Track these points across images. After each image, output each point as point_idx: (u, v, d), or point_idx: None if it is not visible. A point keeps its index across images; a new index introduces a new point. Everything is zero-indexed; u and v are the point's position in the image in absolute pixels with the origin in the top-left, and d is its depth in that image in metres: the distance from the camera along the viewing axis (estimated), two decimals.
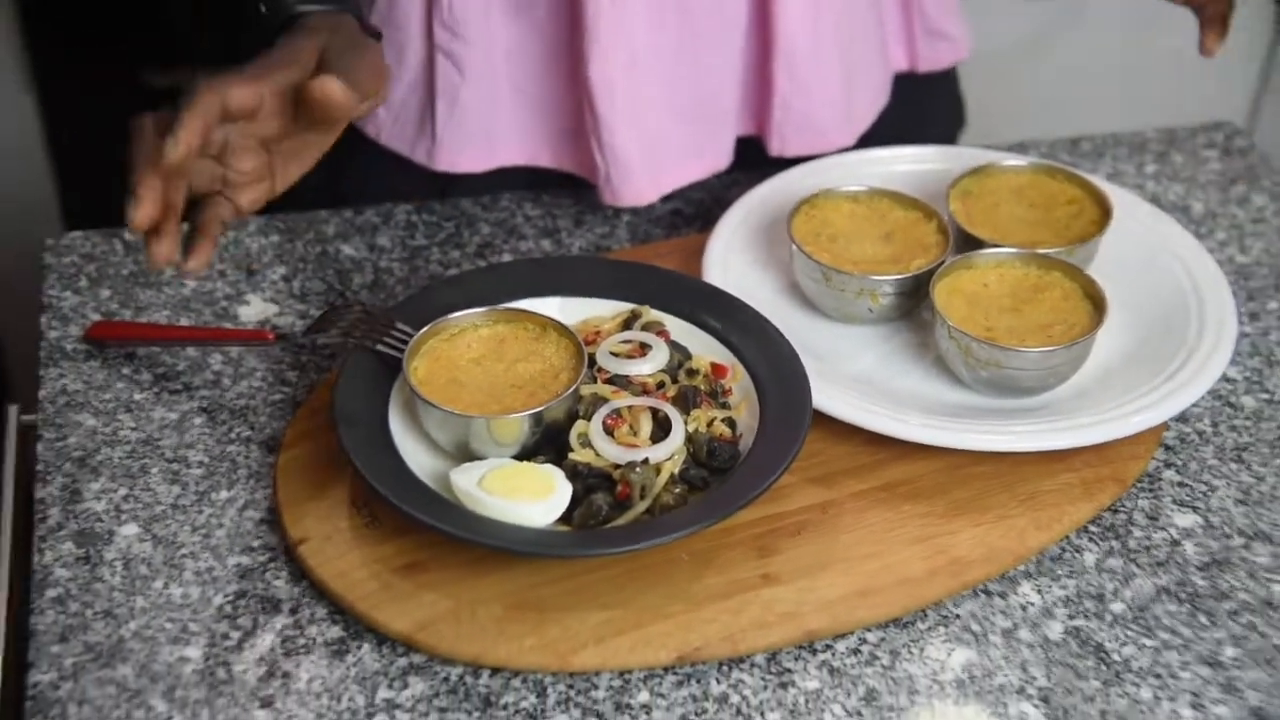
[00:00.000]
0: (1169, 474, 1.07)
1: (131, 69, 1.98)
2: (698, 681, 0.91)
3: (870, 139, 1.31)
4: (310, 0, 1.04)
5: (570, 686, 0.91)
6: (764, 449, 0.98)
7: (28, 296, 1.24)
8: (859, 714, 0.90)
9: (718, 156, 1.28)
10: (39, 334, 1.15)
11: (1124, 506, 1.04)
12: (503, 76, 1.22)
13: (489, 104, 1.23)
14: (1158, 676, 0.93)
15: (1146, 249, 1.19)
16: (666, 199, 1.30)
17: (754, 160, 1.29)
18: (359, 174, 1.31)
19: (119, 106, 2.04)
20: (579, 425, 0.99)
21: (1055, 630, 0.95)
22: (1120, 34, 1.59)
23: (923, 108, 1.39)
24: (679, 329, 1.08)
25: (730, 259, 1.17)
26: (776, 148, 1.28)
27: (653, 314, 1.08)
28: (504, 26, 1.21)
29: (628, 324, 1.08)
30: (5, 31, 1.93)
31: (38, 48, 1.94)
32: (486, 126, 1.24)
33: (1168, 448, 1.08)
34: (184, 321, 1.16)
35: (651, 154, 1.23)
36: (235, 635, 0.93)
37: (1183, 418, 1.11)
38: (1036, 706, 0.91)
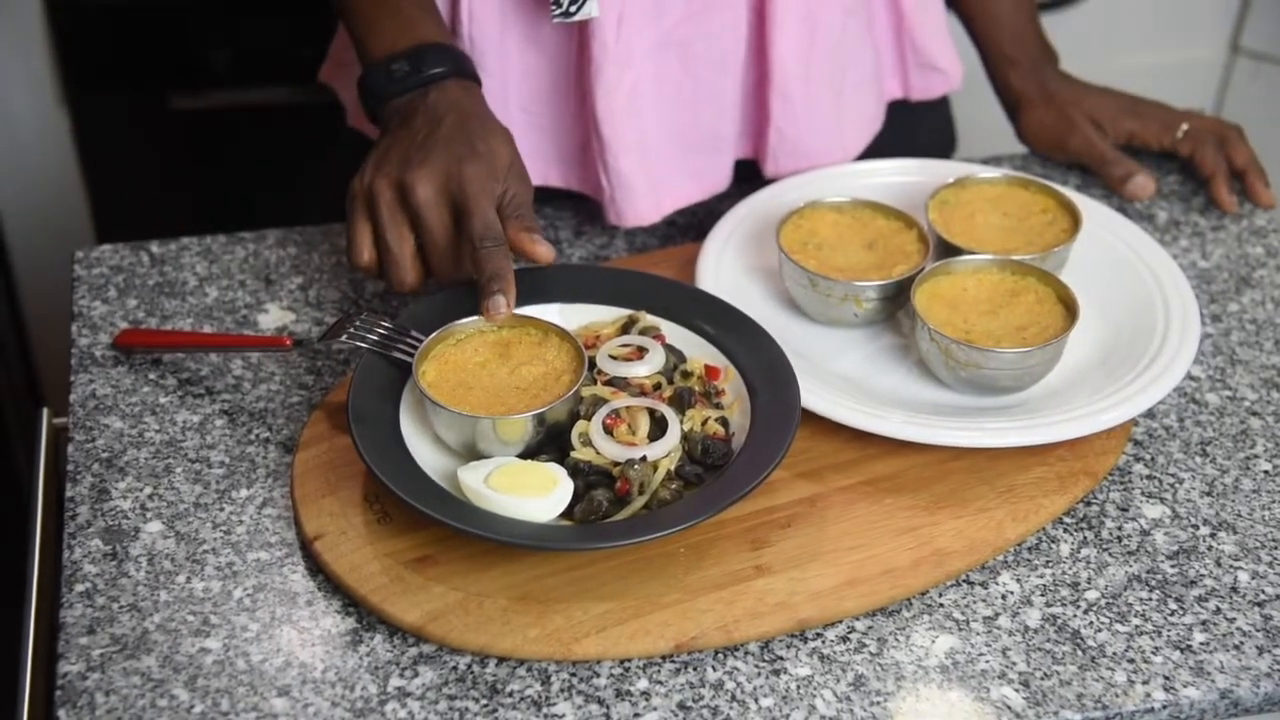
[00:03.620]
0: (1138, 468, 1.05)
1: (161, 90, 1.96)
2: (694, 669, 0.89)
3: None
4: (440, 65, 1.07)
5: (573, 675, 0.89)
6: (755, 446, 0.96)
7: (60, 306, 1.22)
8: (848, 699, 0.88)
9: (717, 179, 1.26)
10: (70, 341, 1.13)
11: (1096, 499, 1.02)
12: (514, 102, 1.21)
13: None
14: (1131, 661, 0.91)
15: (1115, 255, 1.17)
16: None
17: (752, 180, 1.27)
18: None
19: (149, 124, 2.02)
20: (580, 425, 0.97)
21: (1034, 617, 0.93)
22: (1086, 56, 1.57)
23: (915, 133, 1.37)
24: (674, 333, 1.06)
25: (722, 267, 1.15)
26: (771, 171, 1.26)
27: (649, 319, 1.07)
28: (517, 55, 1.20)
29: (625, 329, 1.06)
30: (40, 48, 1.90)
31: (71, 65, 1.92)
32: None
33: (1137, 443, 1.06)
34: (207, 329, 1.14)
35: (653, 177, 1.22)
36: (254, 627, 0.91)
37: (1151, 414, 1.09)
38: (1017, 690, 0.89)
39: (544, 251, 1.02)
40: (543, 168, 1.25)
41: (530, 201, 1.05)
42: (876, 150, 1.31)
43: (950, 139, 1.45)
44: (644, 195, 1.21)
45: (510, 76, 1.20)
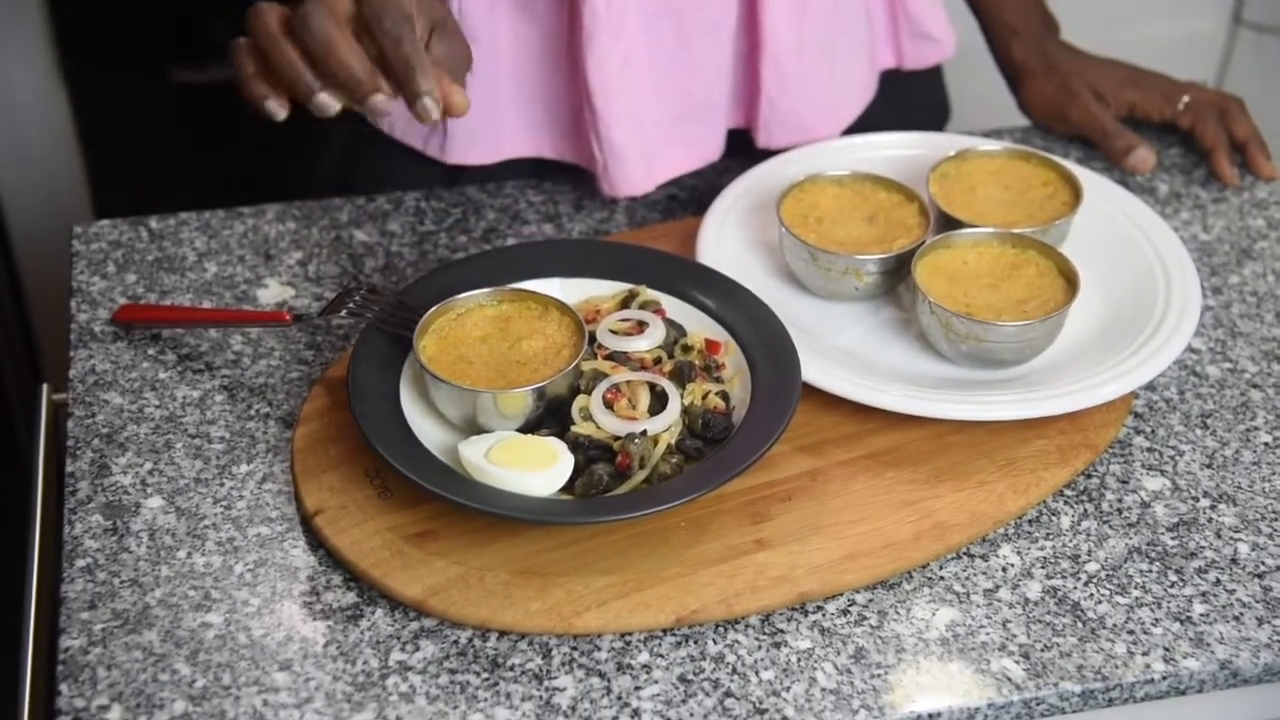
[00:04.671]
0: (1139, 440, 1.05)
1: (160, 61, 1.96)
2: (695, 642, 0.90)
3: (857, 132, 1.29)
4: None
5: (574, 648, 0.89)
6: (756, 420, 0.96)
7: (58, 281, 1.22)
8: (849, 672, 0.88)
9: (709, 148, 1.26)
10: (69, 317, 1.13)
11: (1097, 471, 1.02)
12: (506, 73, 1.21)
13: (495, 99, 1.21)
14: (1131, 632, 0.91)
15: (1116, 228, 1.17)
16: (662, 185, 1.28)
17: (745, 150, 1.27)
18: (373, 166, 1.29)
19: (147, 96, 2.01)
20: (580, 399, 0.97)
21: (1034, 590, 0.93)
22: (1086, 27, 1.57)
23: (908, 103, 1.37)
24: (675, 307, 1.06)
25: (723, 241, 1.15)
26: (763, 140, 1.26)
27: (649, 293, 1.06)
28: (508, 25, 1.19)
29: (626, 303, 1.06)
30: (38, 22, 1.90)
31: (69, 40, 1.92)
32: (493, 121, 1.22)
33: (1137, 415, 1.07)
34: (206, 304, 1.14)
35: (646, 147, 1.21)
36: (255, 602, 0.91)
37: (1151, 387, 1.09)
38: (1017, 662, 0.89)
39: (459, 100, 0.88)
40: (535, 139, 1.24)
41: (465, 65, 0.95)
42: (868, 120, 1.30)
43: (944, 109, 1.45)
44: (636, 165, 1.21)
45: (501, 46, 1.20)
